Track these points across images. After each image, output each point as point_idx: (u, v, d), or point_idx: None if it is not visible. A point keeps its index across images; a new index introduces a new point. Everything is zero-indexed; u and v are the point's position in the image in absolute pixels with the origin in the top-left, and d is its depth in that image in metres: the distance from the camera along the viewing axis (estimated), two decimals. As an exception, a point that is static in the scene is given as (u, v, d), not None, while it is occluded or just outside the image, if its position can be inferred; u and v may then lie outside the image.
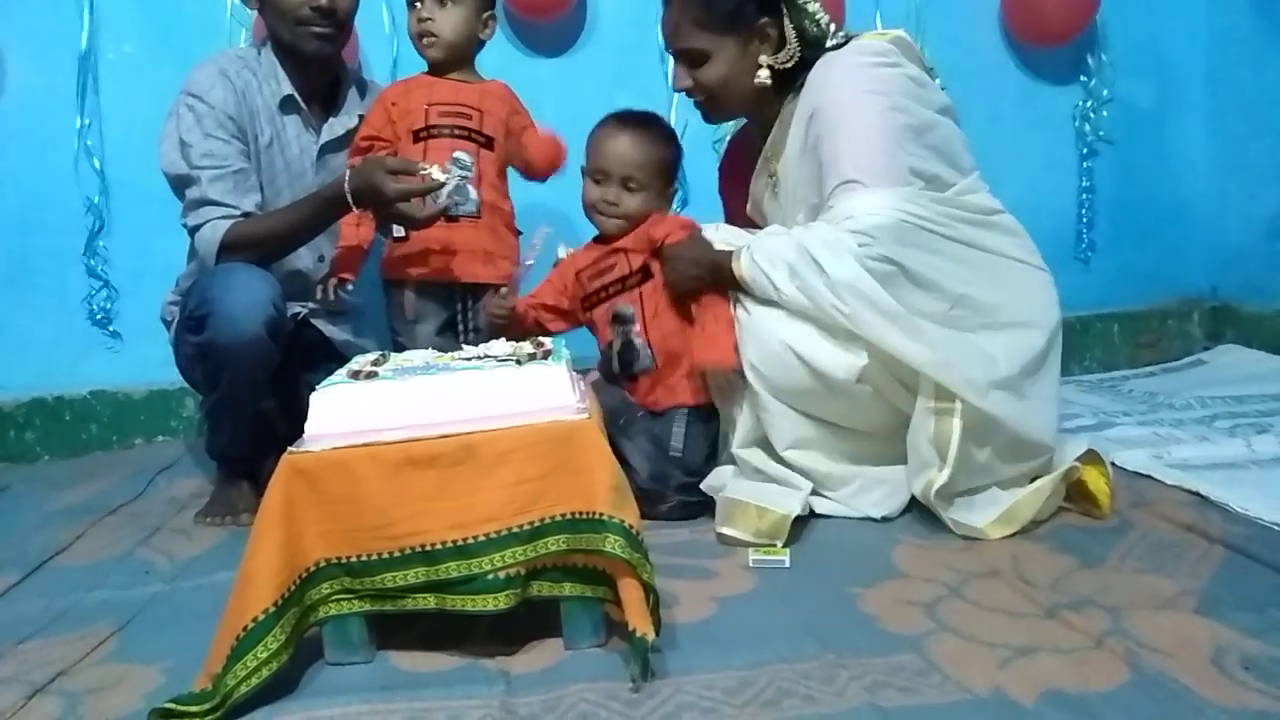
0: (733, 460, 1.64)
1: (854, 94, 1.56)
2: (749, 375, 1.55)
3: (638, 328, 1.68)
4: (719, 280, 1.58)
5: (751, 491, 1.53)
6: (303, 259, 1.88)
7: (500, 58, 2.33)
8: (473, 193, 1.80)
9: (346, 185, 1.64)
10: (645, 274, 1.68)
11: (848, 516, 1.57)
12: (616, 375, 1.72)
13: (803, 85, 1.63)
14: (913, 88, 1.59)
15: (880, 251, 1.48)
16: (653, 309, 1.67)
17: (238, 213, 1.72)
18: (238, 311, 1.60)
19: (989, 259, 1.59)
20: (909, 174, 1.54)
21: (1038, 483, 1.51)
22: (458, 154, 1.78)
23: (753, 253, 1.54)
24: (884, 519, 1.57)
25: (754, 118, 1.76)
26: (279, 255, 1.76)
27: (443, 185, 1.62)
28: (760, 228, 1.70)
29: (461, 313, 1.84)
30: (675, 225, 1.67)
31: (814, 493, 1.57)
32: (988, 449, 1.51)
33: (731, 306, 1.58)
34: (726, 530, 1.51)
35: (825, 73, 1.60)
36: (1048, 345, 1.60)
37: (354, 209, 1.66)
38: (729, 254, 1.56)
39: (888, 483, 1.58)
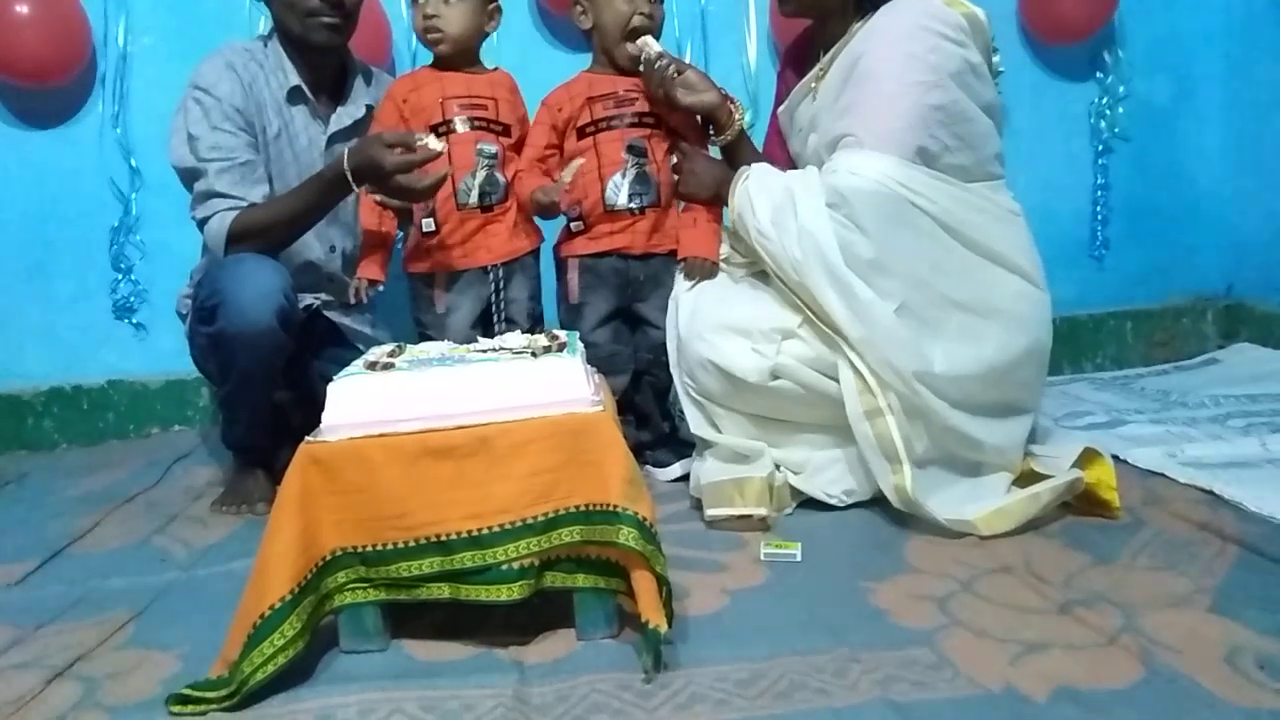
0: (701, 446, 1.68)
1: (902, 58, 1.54)
2: (689, 384, 1.66)
3: (651, 164, 1.78)
4: (722, 197, 1.72)
5: (725, 471, 1.58)
6: (313, 250, 1.88)
7: (522, 47, 2.34)
8: (501, 180, 1.80)
9: (346, 164, 1.64)
10: (657, 121, 1.78)
11: (837, 505, 1.59)
12: (614, 211, 1.77)
13: (870, 14, 1.61)
14: (965, 74, 1.56)
15: (846, 213, 1.50)
16: (662, 154, 1.79)
17: (244, 204, 1.72)
18: (248, 301, 1.61)
19: (973, 258, 1.56)
20: (915, 152, 1.53)
21: (1035, 488, 1.49)
22: (481, 145, 1.78)
23: (748, 183, 1.63)
24: (848, 499, 1.58)
25: (823, 25, 1.72)
26: (287, 241, 1.76)
27: (440, 154, 1.63)
28: (782, 129, 1.82)
29: (495, 299, 1.82)
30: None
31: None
32: (937, 435, 1.51)
33: (671, 324, 1.71)
34: (715, 512, 1.55)
35: (890, 19, 1.57)
36: (1015, 363, 1.56)
37: (355, 188, 1.67)
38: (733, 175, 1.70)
39: (840, 462, 1.60)
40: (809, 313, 1.56)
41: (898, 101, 1.52)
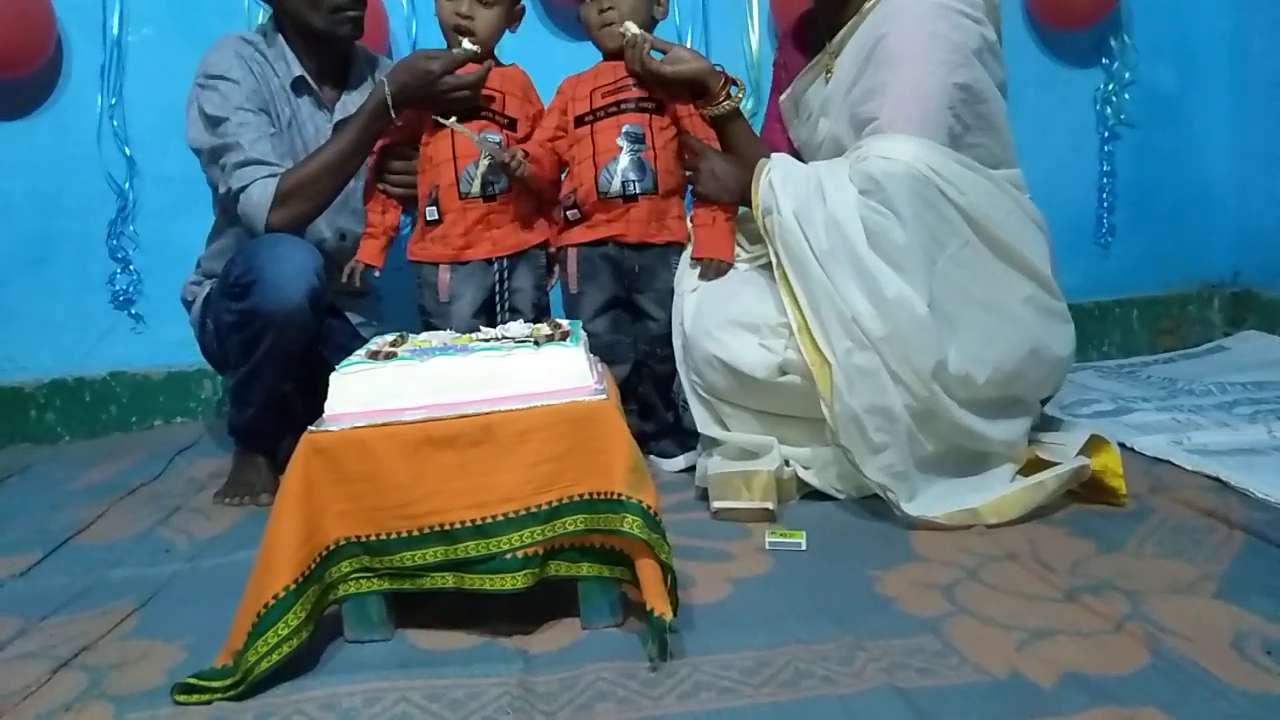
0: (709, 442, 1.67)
1: (927, 38, 1.52)
2: (697, 382, 1.65)
3: (648, 151, 1.75)
4: (745, 199, 1.66)
5: (733, 465, 1.57)
6: (324, 236, 1.88)
7: (527, 36, 2.34)
8: (520, 150, 1.78)
9: (387, 89, 1.67)
10: (658, 106, 1.77)
11: (847, 496, 1.58)
12: (608, 198, 1.76)
13: None
14: (984, 52, 1.55)
15: (880, 199, 1.47)
16: (662, 141, 1.77)
17: (282, 169, 1.73)
18: (284, 279, 1.62)
19: (992, 256, 1.52)
20: (946, 134, 1.52)
21: (1041, 476, 1.48)
22: (486, 133, 1.77)
23: (771, 175, 1.59)
24: (858, 494, 1.56)
25: (830, 5, 1.70)
26: (333, 191, 1.76)
27: (476, 52, 1.72)
28: (784, 115, 1.80)
29: (499, 289, 1.82)
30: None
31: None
32: (945, 431, 1.49)
33: (677, 321, 1.70)
34: (721, 504, 1.54)
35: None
36: (1020, 368, 1.53)
37: (394, 116, 1.70)
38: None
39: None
40: (800, 315, 1.52)
41: (926, 83, 1.51)
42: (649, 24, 1.78)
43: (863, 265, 1.47)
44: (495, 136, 1.77)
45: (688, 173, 1.77)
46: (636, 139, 1.76)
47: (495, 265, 1.81)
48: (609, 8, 1.75)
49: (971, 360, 1.49)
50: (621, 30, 1.73)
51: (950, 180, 1.49)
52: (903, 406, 1.46)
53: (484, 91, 1.78)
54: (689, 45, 2.41)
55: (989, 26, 1.57)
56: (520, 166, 1.71)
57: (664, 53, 1.72)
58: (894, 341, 1.45)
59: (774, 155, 1.65)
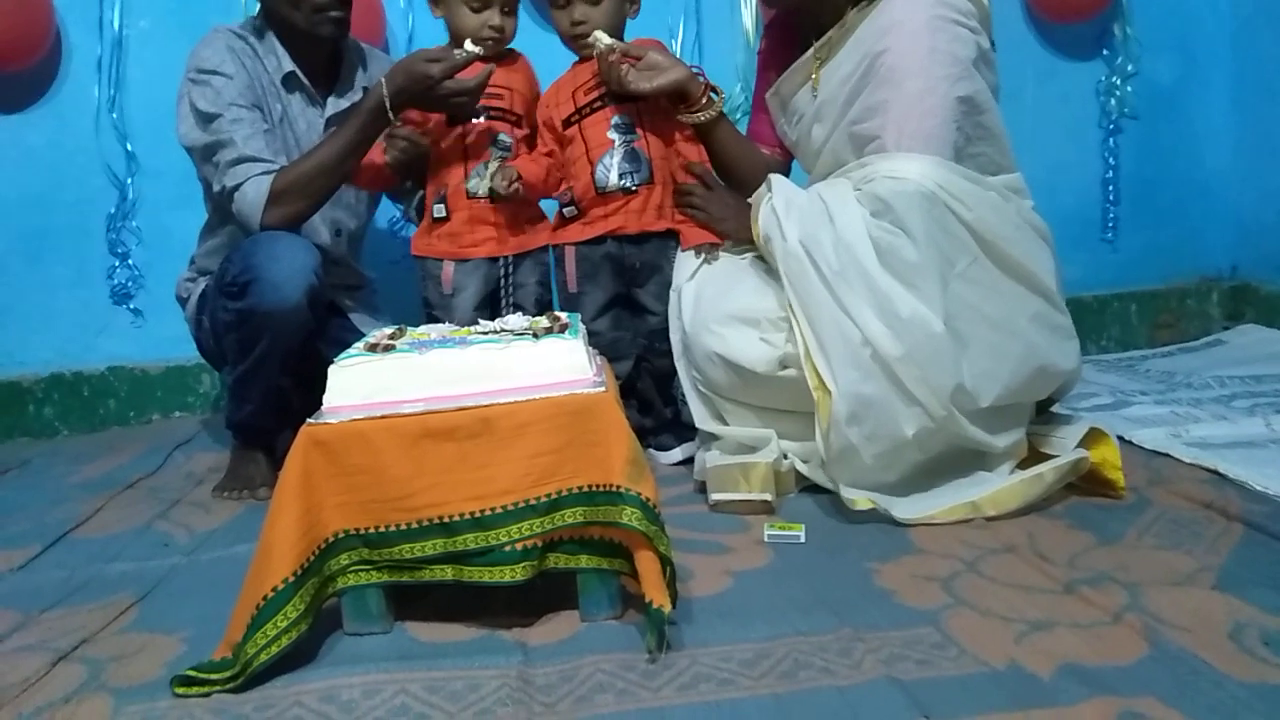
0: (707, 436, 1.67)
1: (925, 53, 1.51)
2: (696, 378, 1.65)
3: (640, 140, 1.76)
4: (746, 234, 1.64)
5: (731, 458, 1.57)
6: (319, 234, 1.88)
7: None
8: (514, 171, 1.78)
9: (385, 89, 1.65)
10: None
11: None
12: (606, 193, 1.76)
13: (874, 1, 1.58)
14: (979, 61, 1.54)
15: (891, 220, 1.46)
16: (649, 127, 1.78)
17: (276, 167, 1.72)
18: (282, 278, 1.62)
19: (1000, 274, 1.51)
20: (952, 148, 1.51)
21: (1040, 468, 1.47)
22: (500, 135, 1.77)
23: (773, 202, 1.57)
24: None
25: (812, 11, 1.69)
26: (329, 190, 1.74)
27: (479, 55, 1.68)
28: (773, 113, 1.79)
29: (504, 282, 1.82)
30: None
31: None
32: (952, 439, 1.48)
33: (674, 316, 1.70)
34: (720, 496, 1.54)
35: (904, 13, 1.54)
36: (1028, 384, 1.52)
37: (392, 117, 1.68)
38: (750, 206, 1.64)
39: None
40: (802, 338, 1.50)
41: (929, 99, 1.50)
42: (622, 26, 1.78)
43: (875, 285, 1.44)
44: (507, 140, 1.78)
45: (684, 196, 1.77)
46: (627, 128, 1.76)
47: (500, 261, 1.81)
48: (581, 20, 1.75)
49: (983, 378, 1.47)
50: (591, 41, 1.73)
51: (958, 197, 1.48)
52: (913, 432, 1.44)
53: (494, 89, 1.76)
54: (679, 37, 2.41)
55: (983, 35, 1.56)
56: (514, 188, 1.72)
57: (638, 59, 1.71)
58: (910, 362, 1.42)
59: (773, 180, 1.62)
